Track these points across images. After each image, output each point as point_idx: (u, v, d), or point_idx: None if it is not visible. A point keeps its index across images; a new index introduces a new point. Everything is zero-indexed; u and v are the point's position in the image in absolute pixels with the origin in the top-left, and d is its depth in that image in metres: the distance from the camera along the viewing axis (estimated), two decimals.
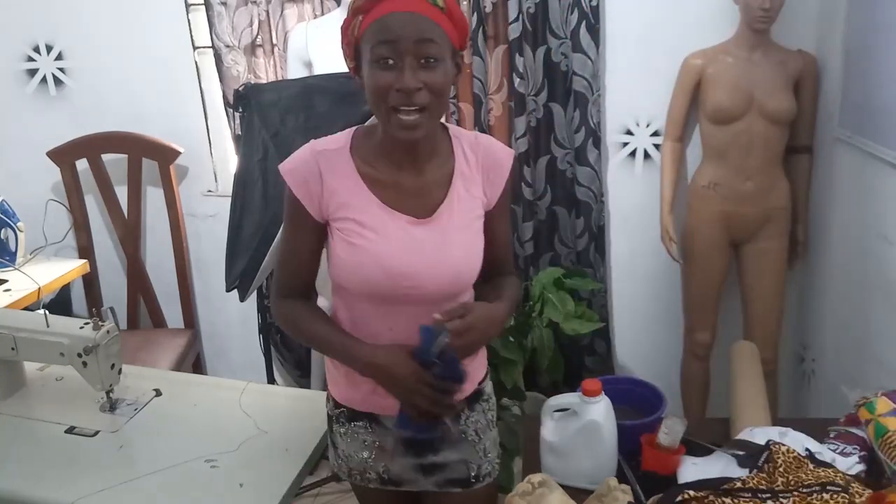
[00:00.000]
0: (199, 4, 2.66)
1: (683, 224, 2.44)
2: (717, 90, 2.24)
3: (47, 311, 1.78)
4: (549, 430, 1.36)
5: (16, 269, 2.65)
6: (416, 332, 1.16)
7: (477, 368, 1.35)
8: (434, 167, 1.22)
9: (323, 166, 1.19)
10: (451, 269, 1.22)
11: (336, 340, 1.23)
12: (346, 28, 1.15)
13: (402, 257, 1.19)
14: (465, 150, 1.25)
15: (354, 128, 1.25)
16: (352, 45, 1.16)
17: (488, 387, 1.41)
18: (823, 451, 1.31)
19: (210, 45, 2.63)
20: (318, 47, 2.39)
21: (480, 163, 1.25)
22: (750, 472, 1.24)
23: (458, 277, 1.23)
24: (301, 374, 2.93)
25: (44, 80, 2.88)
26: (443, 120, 1.28)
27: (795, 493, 1.15)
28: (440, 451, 1.33)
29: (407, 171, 1.21)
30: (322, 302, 2.68)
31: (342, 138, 1.23)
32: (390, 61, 1.08)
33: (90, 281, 2.94)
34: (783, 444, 1.26)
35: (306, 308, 1.29)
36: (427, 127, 1.13)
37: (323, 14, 2.50)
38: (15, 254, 2.69)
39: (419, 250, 1.19)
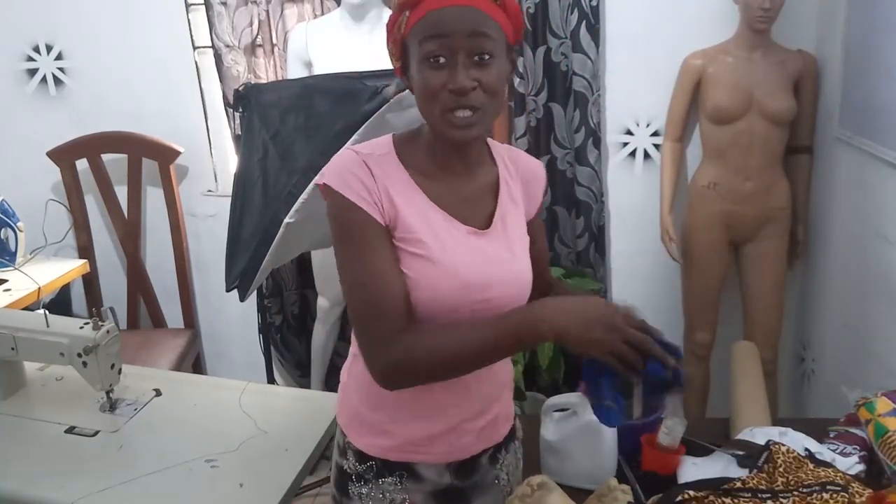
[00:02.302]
0: (199, 4, 2.66)
1: (683, 224, 2.44)
2: (717, 90, 2.24)
3: (47, 311, 1.78)
4: (549, 430, 1.36)
5: (16, 269, 2.65)
6: None
7: (509, 403, 1.28)
8: (482, 174, 1.14)
9: (375, 170, 1.05)
10: (521, 281, 1.13)
11: (497, 328, 1.00)
12: (391, 25, 1.06)
13: (476, 268, 1.08)
14: (504, 158, 1.18)
15: (391, 134, 1.14)
16: (398, 42, 1.06)
17: (517, 422, 1.33)
18: (823, 451, 1.31)
19: (210, 45, 2.63)
20: (318, 47, 2.39)
21: (520, 172, 1.19)
22: (750, 472, 1.24)
23: (525, 290, 1.14)
24: (301, 374, 2.94)
25: (44, 79, 2.88)
26: None
27: (795, 493, 1.15)
28: (472, 502, 1.22)
29: (461, 177, 1.11)
30: (322, 303, 2.70)
31: (384, 144, 1.11)
32: (441, 59, 0.99)
33: (90, 281, 2.94)
34: (783, 444, 1.26)
35: (427, 330, 1.05)
36: (481, 128, 1.04)
37: (323, 14, 2.51)
38: (15, 254, 2.69)
39: (489, 262, 1.09)
